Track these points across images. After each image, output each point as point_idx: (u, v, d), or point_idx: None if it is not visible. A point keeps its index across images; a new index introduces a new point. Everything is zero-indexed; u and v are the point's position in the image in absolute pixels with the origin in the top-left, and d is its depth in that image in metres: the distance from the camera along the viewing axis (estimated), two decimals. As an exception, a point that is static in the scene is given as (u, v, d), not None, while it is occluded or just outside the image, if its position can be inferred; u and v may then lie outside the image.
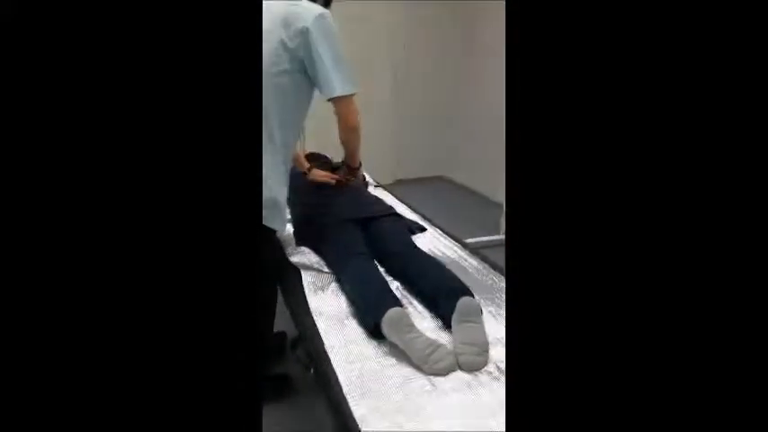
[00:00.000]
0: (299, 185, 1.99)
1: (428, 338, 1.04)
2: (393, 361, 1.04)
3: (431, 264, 1.35)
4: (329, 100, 1.35)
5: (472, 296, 1.16)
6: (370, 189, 2.26)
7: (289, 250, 1.55)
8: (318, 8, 1.29)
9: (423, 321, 1.18)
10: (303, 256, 1.51)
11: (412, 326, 1.06)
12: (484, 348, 1.04)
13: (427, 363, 0.99)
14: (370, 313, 1.12)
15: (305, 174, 1.87)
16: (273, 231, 1.40)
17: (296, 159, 1.87)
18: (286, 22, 1.27)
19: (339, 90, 1.32)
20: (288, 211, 1.58)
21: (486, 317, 1.18)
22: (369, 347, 1.09)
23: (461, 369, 1.00)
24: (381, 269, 1.43)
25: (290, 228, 1.67)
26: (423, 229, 1.74)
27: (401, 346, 1.04)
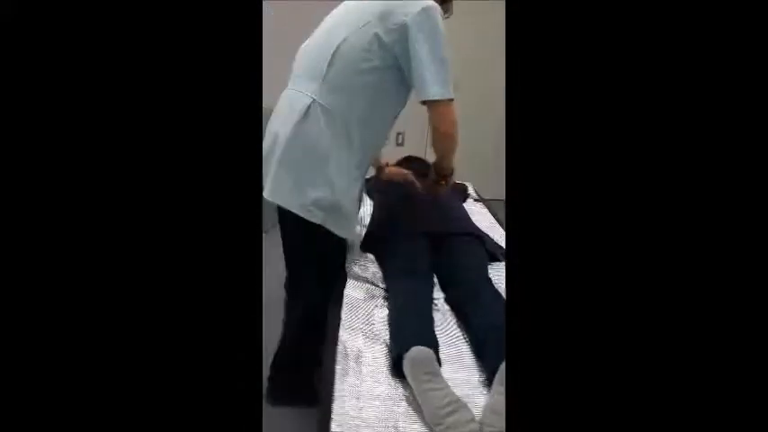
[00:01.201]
0: (376, 187, 1.87)
1: (451, 395, 0.84)
2: (404, 407, 0.86)
3: (496, 302, 1.12)
4: (423, 103, 1.21)
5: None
6: (469, 203, 2.05)
7: (352, 257, 1.43)
8: (424, 2, 1.14)
9: (461, 371, 0.97)
10: (360, 265, 1.38)
11: (435, 374, 0.87)
12: None
13: (441, 424, 0.79)
14: (398, 342, 0.95)
15: (378, 172, 1.74)
16: (336, 236, 1.30)
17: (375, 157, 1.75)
18: (384, 15, 1.15)
19: (433, 93, 1.17)
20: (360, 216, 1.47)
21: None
22: (383, 385, 0.91)
23: (482, 444, 0.79)
24: (440, 297, 1.24)
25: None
26: None
27: (416, 394, 0.85)
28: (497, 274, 1.37)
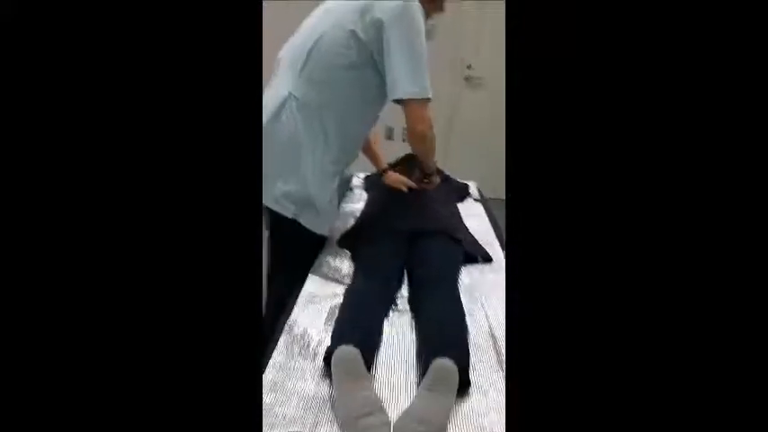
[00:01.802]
0: (374, 186, 1.86)
1: (369, 397, 0.83)
2: (326, 408, 0.86)
3: (450, 304, 1.10)
4: (397, 102, 1.20)
5: (461, 362, 0.89)
6: (469, 203, 2.00)
7: (325, 251, 1.44)
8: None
9: (399, 372, 0.96)
10: (328, 261, 1.38)
11: (358, 375, 0.86)
12: (432, 430, 0.78)
13: (352, 427, 0.79)
14: (334, 339, 0.95)
15: (381, 175, 1.74)
16: (308, 231, 1.31)
17: (374, 158, 1.75)
18: (362, 12, 1.15)
19: (406, 91, 1.16)
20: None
21: (481, 389, 0.90)
22: (311, 382, 0.91)
23: (391, 451, 0.78)
24: (406, 297, 1.23)
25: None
26: (489, 260, 1.45)
27: (336, 394, 0.85)
28: (488, 276, 1.35)
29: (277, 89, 1.26)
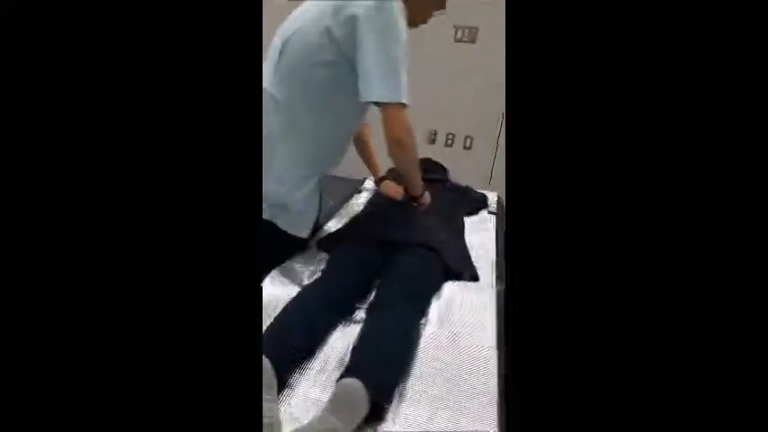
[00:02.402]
0: (374, 196, 1.80)
1: (269, 411, 0.78)
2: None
3: (388, 323, 0.99)
4: (376, 104, 1.14)
5: (375, 384, 0.82)
6: (482, 215, 1.88)
7: (301, 254, 1.40)
8: None
9: (316, 387, 0.90)
10: (296, 266, 1.34)
11: (266, 385, 0.81)
12: None
13: None
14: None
15: (377, 184, 1.68)
16: (282, 231, 1.28)
17: (368, 164, 1.69)
18: (337, 8, 1.11)
19: (378, 94, 1.10)
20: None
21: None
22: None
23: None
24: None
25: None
26: (475, 279, 1.35)
27: None
28: (470, 296, 1.25)
29: None
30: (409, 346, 0.97)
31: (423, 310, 1.13)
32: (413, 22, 1.23)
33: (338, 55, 1.13)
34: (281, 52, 1.20)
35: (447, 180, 1.91)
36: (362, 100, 1.12)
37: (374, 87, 1.08)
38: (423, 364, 0.97)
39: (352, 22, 1.08)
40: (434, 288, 1.23)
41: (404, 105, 1.12)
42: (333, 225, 1.59)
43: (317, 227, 1.47)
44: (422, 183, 1.43)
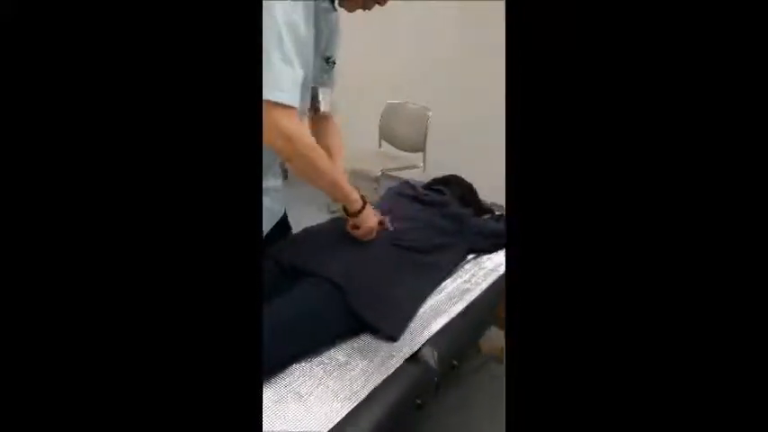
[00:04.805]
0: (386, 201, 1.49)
1: None
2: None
3: None
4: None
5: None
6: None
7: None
8: None
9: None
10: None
11: None
12: None
13: None
14: None
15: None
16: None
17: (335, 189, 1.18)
18: None
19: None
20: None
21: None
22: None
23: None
24: None
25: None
26: (391, 339, 1.05)
27: None
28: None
29: None
30: None
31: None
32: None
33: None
34: None
35: (449, 205, 1.43)
36: None
37: None
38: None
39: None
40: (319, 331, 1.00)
41: (283, 106, 0.91)
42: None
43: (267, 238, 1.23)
44: (355, 197, 1.11)
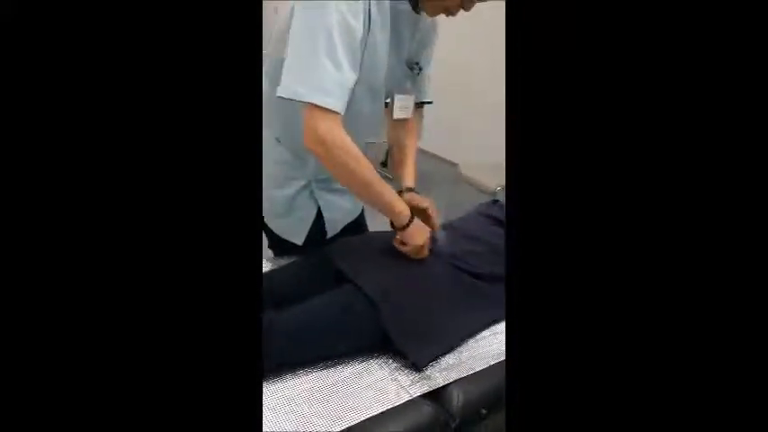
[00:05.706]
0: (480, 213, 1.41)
1: None
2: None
3: None
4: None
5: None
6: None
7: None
8: None
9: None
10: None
11: None
12: None
13: None
14: None
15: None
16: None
17: (398, 172, 1.27)
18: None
19: (287, 89, 0.88)
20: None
21: None
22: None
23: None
24: None
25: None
26: (416, 367, 0.97)
27: None
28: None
29: None
30: None
31: None
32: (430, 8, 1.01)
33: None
34: (266, 46, 1.10)
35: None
36: (277, 95, 0.90)
37: (288, 81, 0.88)
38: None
39: (291, 11, 0.91)
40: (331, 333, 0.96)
41: (327, 110, 0.87)
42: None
43: (319, 235, 1.24)
44: (400, 210, 1.02)
